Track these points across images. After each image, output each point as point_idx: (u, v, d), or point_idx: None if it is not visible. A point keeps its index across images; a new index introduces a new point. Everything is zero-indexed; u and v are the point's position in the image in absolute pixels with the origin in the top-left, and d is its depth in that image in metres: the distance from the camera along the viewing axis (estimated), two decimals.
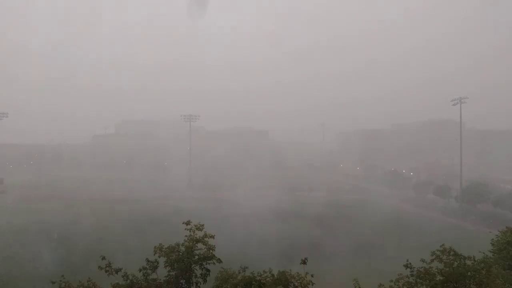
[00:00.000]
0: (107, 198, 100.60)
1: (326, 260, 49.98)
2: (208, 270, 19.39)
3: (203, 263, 19.62)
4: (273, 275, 17.65)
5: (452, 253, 18.63)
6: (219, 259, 19.72)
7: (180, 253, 19.73)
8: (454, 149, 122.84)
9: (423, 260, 18.62)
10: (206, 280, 19.28)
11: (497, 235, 24.85)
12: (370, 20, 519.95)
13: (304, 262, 17.87)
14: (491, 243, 24.48)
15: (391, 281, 18.28)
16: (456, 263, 18.06)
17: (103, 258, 19.52)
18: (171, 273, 19.55)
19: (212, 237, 20.19)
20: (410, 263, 18.51)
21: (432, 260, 18.66)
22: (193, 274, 19.61)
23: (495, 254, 23.31)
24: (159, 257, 19.77)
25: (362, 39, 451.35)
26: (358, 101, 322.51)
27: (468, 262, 18.12)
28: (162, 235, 43.14)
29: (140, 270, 19.41)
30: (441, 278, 17.42)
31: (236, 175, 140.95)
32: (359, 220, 75.87)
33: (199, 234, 20.19)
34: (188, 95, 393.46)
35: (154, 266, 19.59)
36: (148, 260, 19.69)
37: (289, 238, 61.16)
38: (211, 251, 19.80)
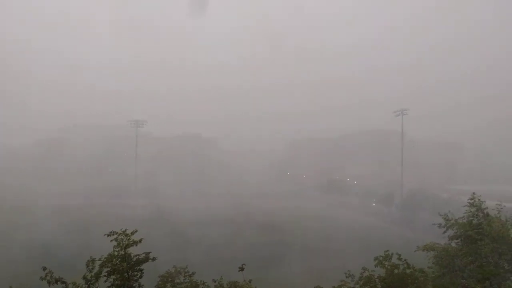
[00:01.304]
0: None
1: (270, 266, 49.89)
2: (141, 270, 18.60)
3: (140, 266, 18.83)
4: (221, 285, 17.22)
5: (396, 257, 18.89)
6: (154, 257, 19.02)
7: (116, 264, 18.77)
8: (397, 158, 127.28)
9: (365, 269, 18.79)
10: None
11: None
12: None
13: (241, 269, 17.51)
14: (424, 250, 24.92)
15: (333, 287, 18.26)
16: (396, 270, 18.28)
17: (44, 268, 18.19)
18: None
19: (139, 241, 19.45)
20: (350, 272, 18.64)
21: (375, 266, 18.85)
22: (136, 283, 18.74)
23: (434, 262, 23.79)
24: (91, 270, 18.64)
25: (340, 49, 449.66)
26: (323, 109, 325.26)
27: (408, 270, 18.39)
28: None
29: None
30: (381, 285, 17.57)
31: (179, 183, 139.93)
32: (303, 227, 76.80)
33: (129, 240, 19.42)
34: (141, 97, 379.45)
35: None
36: (84, 278, 18.47)
37: (233, 245, 60.86)
38: (149, 254, 18.79)
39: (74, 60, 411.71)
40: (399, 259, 18.74)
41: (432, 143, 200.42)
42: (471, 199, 24.06)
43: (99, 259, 18.66)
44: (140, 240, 19.67)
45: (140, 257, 19.30)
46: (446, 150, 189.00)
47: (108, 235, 19.24)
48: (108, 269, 18.45)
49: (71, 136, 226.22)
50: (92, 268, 18.43)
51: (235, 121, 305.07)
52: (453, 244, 24.61)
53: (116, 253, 18.94)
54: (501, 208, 24.76)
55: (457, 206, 27.85)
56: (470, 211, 23.82)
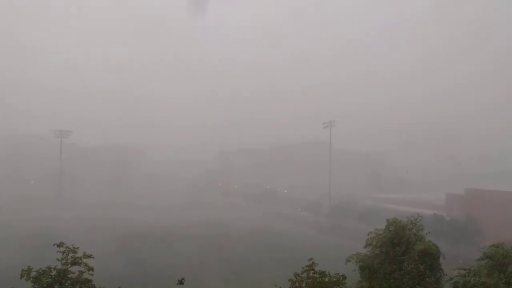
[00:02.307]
0: None
1: (203, 278, 49.49)
2: None
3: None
4: None
5: (319, 265, 19.63)
6: (93, 285, 18.53)
7: (52, 277, 18.05)
8: (325, 168, 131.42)
9: (290, 279, 19.41)
10: None
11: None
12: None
13: (180, 282, 17.48)
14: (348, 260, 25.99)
15: None
16: (321, 279, 18.98)
17: None
18: None
19: (91, 256, 19.09)
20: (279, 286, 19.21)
21: (302, 273, 19.42)
22: None
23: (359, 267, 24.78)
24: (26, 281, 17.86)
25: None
26: (253, 120, 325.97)
27: (333, 279, 19.14)
28: None
29: None
30: None
31: (106, 194, 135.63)
32: (233, 237, 76.93)
33: (74, 255, 18.91)
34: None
35: None
36: None
37: (166, 259, 59.70)
38: (90, 272, 18.62)
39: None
40: (314, 272, 19.51)
41: (358, 153, 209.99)
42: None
43: (37, 271, 17.95)
44: (91, 256, 19.13)
45: (76, 277, 18.61)
46: (371, 161, 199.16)
47: (58, 246, 18.88)
48: (43, 282, 17.71)
49: None
50: (27, 279, 17.71)
51: (163, 130, 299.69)
52: (377, 252, 26.10)
53: (59, 267, 18.41)
54: (421, 218, 26.88)
55: (380, 213, 29.55)
56: (393, 229, 25.60)
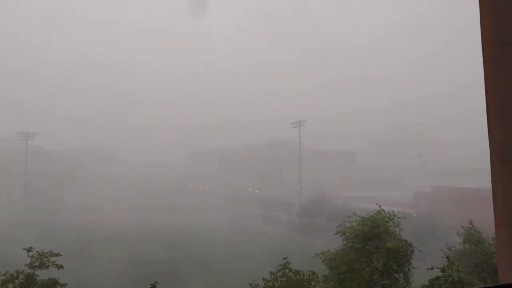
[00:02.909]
0: None
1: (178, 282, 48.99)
2: None
3: None
4: None
5: (286, 270, 19.75)
6: (64, 284, 18.15)
7: (20, 282, 17.52)
8: (296, 167, 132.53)
9: (264, 279, 19.40)
10: None
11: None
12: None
13: (153, 286, 17.32)
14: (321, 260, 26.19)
15: None
16: (295, 277, 19.08)
17: None
18: None
19: (58, 255, 18.68)
20: (255, 282, 19.18)
21: (276, 272, 19.50)
22: None
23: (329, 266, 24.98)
24: None
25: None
26: (224, 120, 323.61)
27: (305, 277, 19.29)
28: None
29: None
30: None
31: (74, 198, 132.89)
32: (206, 239, 76.56)
33: (42, 260, 18.48)
34: None
35: None
36: None
37: (140, 263, 58.78)
38: (60, 269, 18.32)
39: None
40: (290, 271, 19.61)
41: (328, 153, 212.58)
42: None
43: (4, 274, 17.42)
44: (59, 267, 18.61)
45: (45, 282, 18.17)
46: (341, 159, 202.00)
47: (28, 251, 18.48)
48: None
49: None
50: None
51: (132, 130, 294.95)
52: (346, 249, 26.37)
53: (27, 271, 18.02)
54: (394, 215, 27.07)
55: (349, 212, 29.87)
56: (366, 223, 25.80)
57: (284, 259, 19.98)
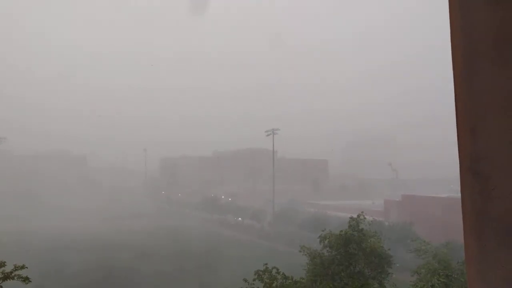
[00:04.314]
0: None
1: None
2: None
3: None
4: None
5: (274, 271, 19.71)
6: None
7: None
8: (270, 176, 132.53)
9: (245, 280, 19.31)
10: None
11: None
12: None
13: None
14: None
15: None
16: (275, 283, 19.05)
17: None
18: None
19: (24, 267, 17.73)
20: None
21: (254, 280, 19.39)
22: None
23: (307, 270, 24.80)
24: None
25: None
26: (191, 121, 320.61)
27: (287, 281, 19.27)
28: None
29: None
30: None
31: (42, 204, 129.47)
32: (177, 247, 75.60)
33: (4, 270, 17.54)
34: None
35: None
36: None
37: (105, 270, 57.44)
38: (26, 282, 17.12)
39: None
40: (277, 272, 19.70)
41: (302, 161, 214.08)
42: (352, 218, 26.14)
43: None
44: (23, 266, 17.77)
45: None
46: (312, 168, 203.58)
47: None
48: None
49: None
50: None
51: (105, 137, 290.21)
52: (325, 253, 26.22)
53: None
54: (371, 222, 27.28)
55: (320, 220, 30.06)
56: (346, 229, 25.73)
57: (264, 264, 20.16)
